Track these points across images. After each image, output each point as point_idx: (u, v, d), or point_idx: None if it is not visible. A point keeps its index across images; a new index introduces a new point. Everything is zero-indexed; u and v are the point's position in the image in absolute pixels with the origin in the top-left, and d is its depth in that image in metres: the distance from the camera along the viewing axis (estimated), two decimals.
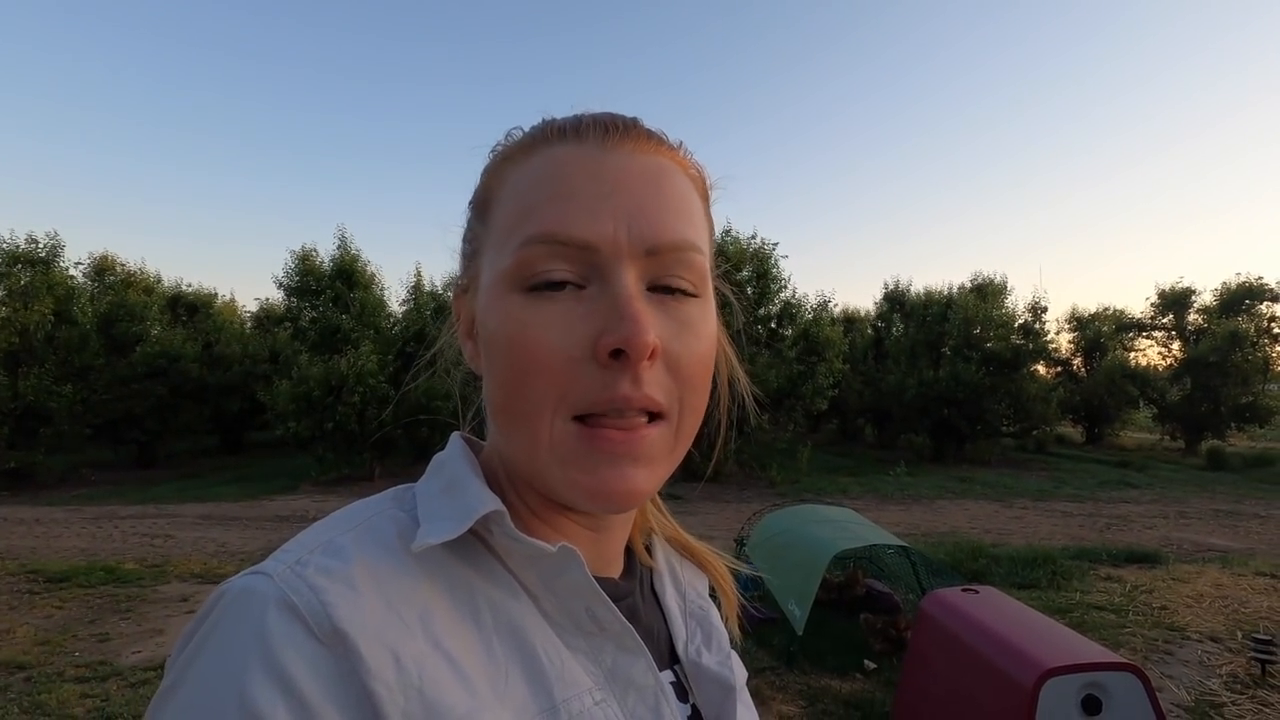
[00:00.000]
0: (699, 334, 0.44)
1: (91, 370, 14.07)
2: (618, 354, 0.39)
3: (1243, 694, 3.83)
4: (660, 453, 0.43)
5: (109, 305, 15.49)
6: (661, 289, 0.43)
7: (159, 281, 19.19)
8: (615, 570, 0.54)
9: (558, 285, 0.41)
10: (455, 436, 0.53)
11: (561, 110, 0.48)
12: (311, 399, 12.00)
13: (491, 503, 0.43)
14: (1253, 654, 4.08)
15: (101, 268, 17.59)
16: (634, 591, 0.54)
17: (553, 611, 0.44)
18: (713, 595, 0.63)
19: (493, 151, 0.49)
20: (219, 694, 0.33)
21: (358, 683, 0.35)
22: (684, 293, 0.44)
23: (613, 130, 0.44)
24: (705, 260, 0.45)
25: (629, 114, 0.47)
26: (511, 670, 0.41)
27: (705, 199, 0.48)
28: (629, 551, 0.57)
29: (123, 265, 18.20)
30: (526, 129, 0.48)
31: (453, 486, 0.46)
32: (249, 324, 21.20)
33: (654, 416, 0.42)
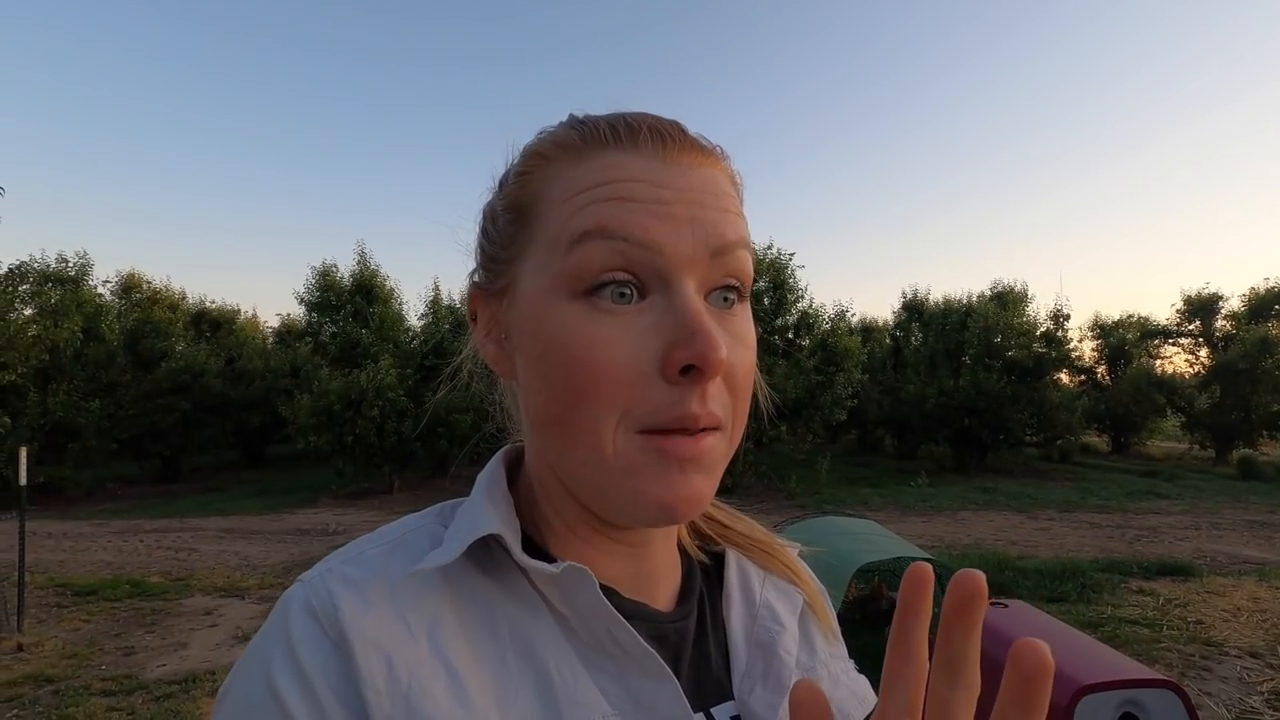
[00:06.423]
0: (748, 344, 0.44)
1: (118, 386, 14.38)
2: (687, 370, 0.39)
3: None
4: (719, 461, 0.43)
5: (135, 322, 15.86)
6: (715, 294, 0.43)
7: (184, 298, 19.65)
8: (666, 587, 0.52)
9: (618, 291, 0.40)
10: (501, 451, 0.53)
11: (587, 103, 0.47)
12: (332, 413, 12.12)
13: (489, 526, 0.44)
14: None
15: (128, 285, 17.99)
16: (689, 614, 0.51)
17: (581, 631, 0.44)
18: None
19: (528, 152, 0.46)
20: (254, 678, 0.39)
21: (356, 682, 0.38)
22: (737, 293, 0.44)
23: (670, 141, 0.43)
24: (751, 259, 0.45)
25: (635, 110, 0.45)
26: (522, 686, 0.41)
27: (742, 201, 0.48)
28: (690, 570, 0.55)
29: (149, 283, 18.61)
30: (560, 126, 0.46)
31: (470, 506, 0.48)
32: (271, 339, 21.56)
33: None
